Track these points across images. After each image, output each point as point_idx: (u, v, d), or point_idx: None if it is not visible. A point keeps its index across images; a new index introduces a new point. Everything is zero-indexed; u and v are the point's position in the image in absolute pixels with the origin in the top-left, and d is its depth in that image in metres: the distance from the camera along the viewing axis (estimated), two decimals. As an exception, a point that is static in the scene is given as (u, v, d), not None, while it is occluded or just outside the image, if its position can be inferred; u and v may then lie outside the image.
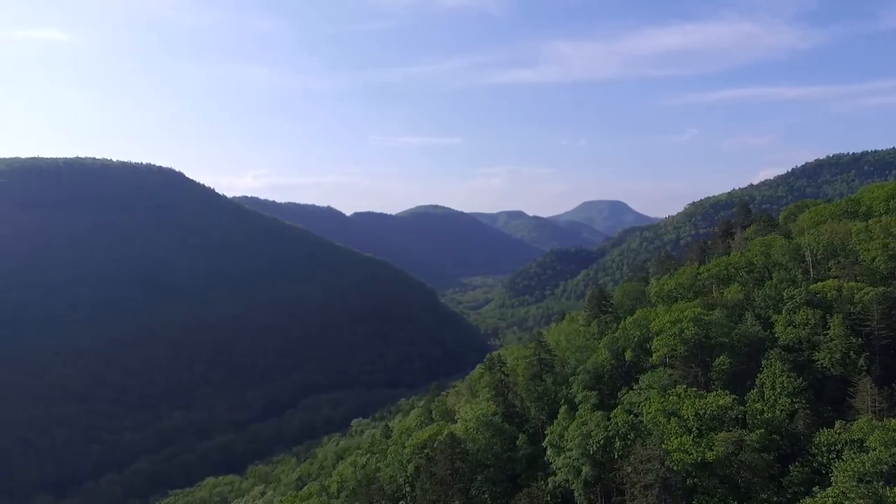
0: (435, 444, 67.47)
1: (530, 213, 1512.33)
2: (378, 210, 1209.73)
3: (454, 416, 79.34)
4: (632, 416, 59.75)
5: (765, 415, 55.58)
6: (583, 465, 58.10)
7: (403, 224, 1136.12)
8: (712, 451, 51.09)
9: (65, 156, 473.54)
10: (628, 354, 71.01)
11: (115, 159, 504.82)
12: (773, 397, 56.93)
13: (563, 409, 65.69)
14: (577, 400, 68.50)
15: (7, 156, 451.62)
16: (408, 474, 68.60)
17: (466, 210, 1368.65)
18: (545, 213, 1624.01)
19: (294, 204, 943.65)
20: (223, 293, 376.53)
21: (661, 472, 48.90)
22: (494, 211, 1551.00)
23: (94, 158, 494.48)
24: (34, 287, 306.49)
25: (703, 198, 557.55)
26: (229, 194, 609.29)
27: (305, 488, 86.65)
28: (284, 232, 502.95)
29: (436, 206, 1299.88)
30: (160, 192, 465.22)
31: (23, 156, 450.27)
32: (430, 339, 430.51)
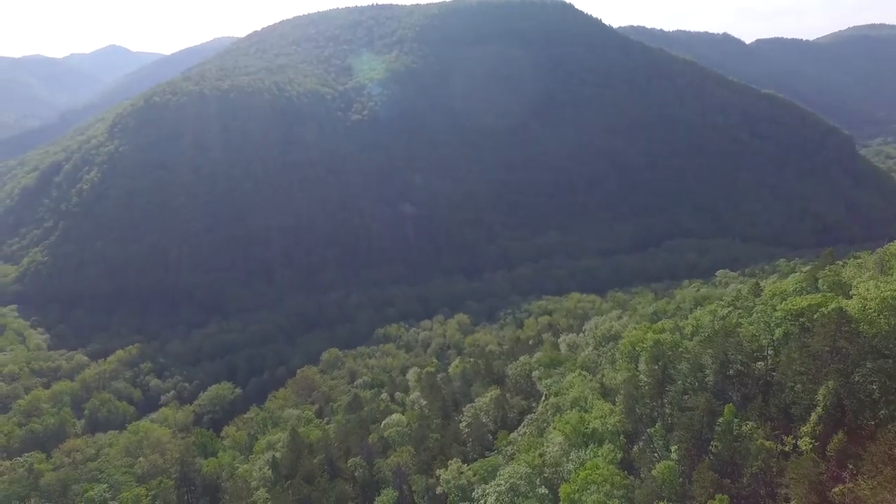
0: (815, 316, 60.26)
1: None
2: (790, 35, 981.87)
3: (848, 291, 67.74)
4: None
5: None
6: None
7: (823, 52, 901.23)
8: None
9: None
10: None
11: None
12: None
13: None
14: None
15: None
16: (774, 338, 64.28)
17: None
18: None
19: (683, 32, 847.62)
20: (603, 127, 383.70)
21: None
22: None
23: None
24: (455, 115, 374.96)
25: None
26: (615, 24, 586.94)
27: (660, 323, 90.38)
28: (669, 65, 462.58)
29: (874, 26, 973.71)
30: (552, 26, 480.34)
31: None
32: (835, 196, 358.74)
